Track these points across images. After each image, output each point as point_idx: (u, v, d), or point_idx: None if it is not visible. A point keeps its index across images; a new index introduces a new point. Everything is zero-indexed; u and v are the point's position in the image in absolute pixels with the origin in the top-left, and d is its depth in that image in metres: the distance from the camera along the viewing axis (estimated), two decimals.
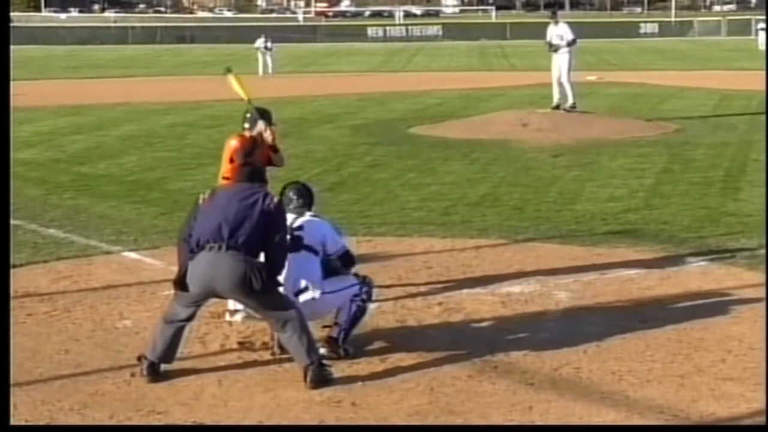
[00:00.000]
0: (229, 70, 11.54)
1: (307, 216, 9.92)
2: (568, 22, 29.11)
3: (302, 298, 9.43)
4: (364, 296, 9.78)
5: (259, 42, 54.78)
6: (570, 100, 27.82)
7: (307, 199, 10.10)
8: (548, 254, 13.47)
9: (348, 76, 53.46)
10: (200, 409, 8.42)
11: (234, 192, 9.17)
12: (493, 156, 22.49)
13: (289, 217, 9.71)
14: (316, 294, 9.54)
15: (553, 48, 27.74)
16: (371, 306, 10.43)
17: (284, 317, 8.92)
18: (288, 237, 9.36)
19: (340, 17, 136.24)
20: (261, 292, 8.84)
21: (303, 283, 9.53)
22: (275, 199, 9.12)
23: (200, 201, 9.20)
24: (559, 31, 27.83)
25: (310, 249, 9.69)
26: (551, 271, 12.52)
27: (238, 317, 10.47)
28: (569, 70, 27.63)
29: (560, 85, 27.86)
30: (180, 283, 9.03)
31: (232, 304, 10.47)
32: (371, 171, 20.43)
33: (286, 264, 9.41)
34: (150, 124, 30.06)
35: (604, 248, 13.79)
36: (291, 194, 10.04)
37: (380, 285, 11.85)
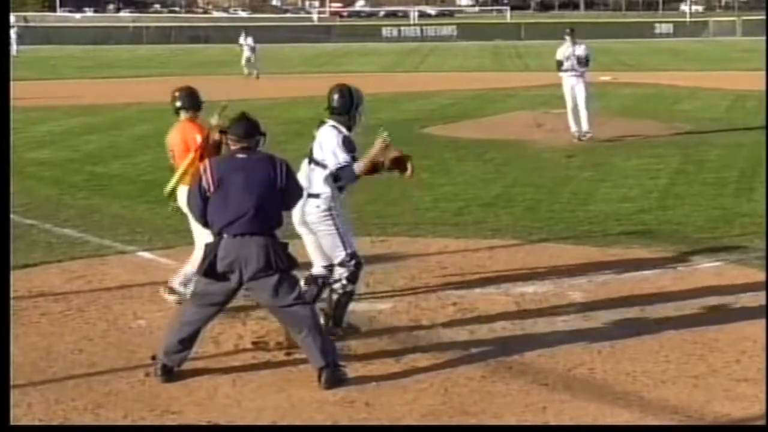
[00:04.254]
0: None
1: (327, 124, 10.15)
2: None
3: (313, 200, 9.87)
4: (344, 281, 10.01)
5: (242, 39, 51.85)
6: (584, 127, 24.92)
7: (344, 99, 10.25)
8: (562, 255, 13.46)
9: (361, 76, 53.41)
10: (214, 409, 8.43)
11: (243, 172, 8.97)
12: (506, 156, 22.48)
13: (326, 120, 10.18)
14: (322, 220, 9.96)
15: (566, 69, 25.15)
16: (385, 306, 10.56)
17: (299, 314, 8.90)
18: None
19: (354, 17, 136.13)
20: (284, 271, 8.84)
21: (314, 189, 9.93)
22: (285, 166, 9.03)
23: (202, 175, 9.07)
24: (578, 52, 25.04)
25: (318, 163, 10.02)
26: (565, 272, 12.51)
27: (172, 298, 10.88)
28: (586, 95, 24.99)
29: (576, 111, 25.10)
30: (207, 268, 8.99)
31: (175, 281, 10.94)
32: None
33: (305, 170, 9.98)
34: (163, 124, 30.00)
35: (617, 249, 13.77)
36: (332, 95, 10.27)
37: (394, 285, 11.89)
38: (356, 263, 10.11)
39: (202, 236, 10.67)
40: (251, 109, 9.65)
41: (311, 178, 10.05)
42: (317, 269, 10.26)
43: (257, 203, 8.84)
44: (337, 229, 10.06)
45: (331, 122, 10.17)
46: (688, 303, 11.21)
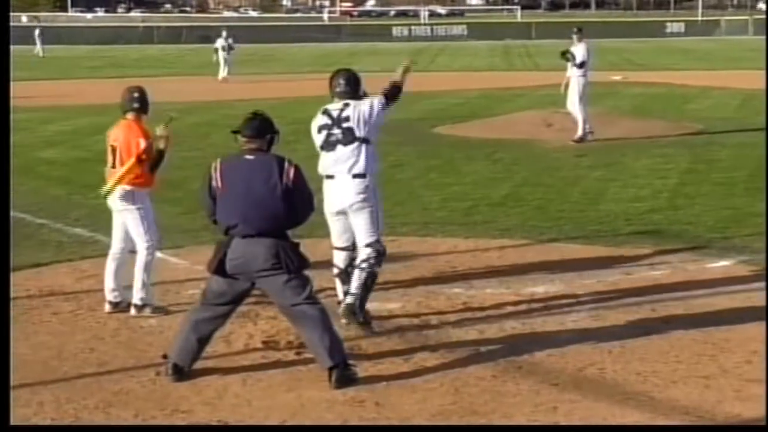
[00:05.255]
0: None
1: (353, 103, 10.33)
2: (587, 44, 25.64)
3: (359, 181, 10.18)
4: (372, 261, 10.29)
5: (220, 41, 49.34)
6: (579, 132, 24.67)
7: (353, 84, 10.48)
8: (572, 254, 13.45)
9: (371, 75, 53.33)
10: (223, 408, 8.44)
11: (248, 174, 8.97)
12: (515, 156, 22.47)
13: (335, 105, 10.36)
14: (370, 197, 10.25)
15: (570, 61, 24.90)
16: (395, 306, 10.62)
17: (308, 314, 8.89)
18: (340, 132, 10.20)
19: (365, 17, 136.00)
20: (293, 271, 8.84)
21: (360, 169, 10.20)
22: (293, 171, 8.96)
23: (212, 174, 9.08)
24: (577, 51, 25.00)
25: (363, 140, 10.22)
26: (574, 272, 12.50)
27: (146, 311, 10.86)
28: (581, 96, 24.86)
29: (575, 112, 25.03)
30: (216, 266, 9.00)
31: (138, 299, 10.89)
32: (393, 171, 20.38)
33: (344, 153, 10.20)
34: (172, 124, 30.05)
35: (627, 249, 13.75)
36: (339, 79, 10.48)
37: (403, 285, 11.89)
38: (383, 246, 10.43)
39: (140, 238, 11.13)
40: (259, 109, 9.64)
41: (356, 159, 10.24)
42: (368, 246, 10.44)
43: (261, 205, 8.83)
44: (376, 208, 10.38)
45: (351, 101, 10.37)
46: (698, 303, 11.19)
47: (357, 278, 10.32)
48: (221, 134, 27.03)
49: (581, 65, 24.79)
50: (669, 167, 20.66)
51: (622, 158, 21.93)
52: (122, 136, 11.02)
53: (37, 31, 74.95)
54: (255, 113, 9.32)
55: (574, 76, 24.92)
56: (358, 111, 10.29)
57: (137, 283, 10.99)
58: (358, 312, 10.19)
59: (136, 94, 11.18)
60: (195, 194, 17.95)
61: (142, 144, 10.89)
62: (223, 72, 48.14)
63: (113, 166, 11.06)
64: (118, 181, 10.90)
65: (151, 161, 10.95)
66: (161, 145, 11.01)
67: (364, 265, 10.32)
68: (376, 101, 10.38)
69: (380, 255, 10.40)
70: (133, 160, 10.84)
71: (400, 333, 10.24)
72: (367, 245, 10.33)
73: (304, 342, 9.26)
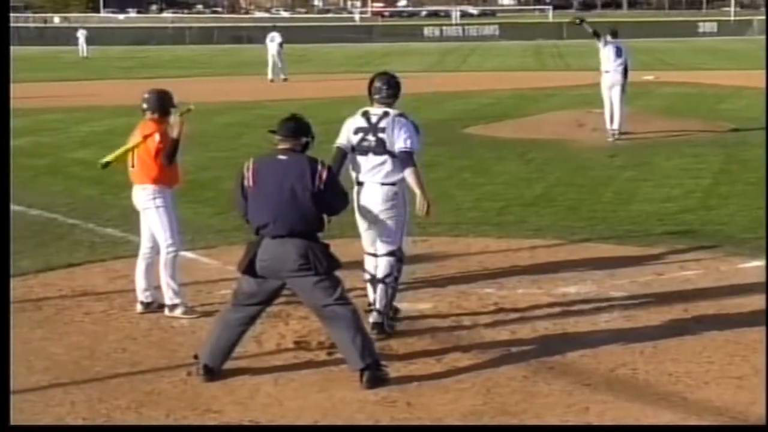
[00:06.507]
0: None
1: (392, 114, 10.23)
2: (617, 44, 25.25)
3: (387, 188, 10.14)
4: (396, 274, 10.28)
5: (274, 36, 48.63)
6: (615, 125, 24.79)
7: (394, 89, 10.38)
8: (604, 254, 13.40)
9: (406, 76, 53.27)
10: (255, 408, 8.45)
11: (280, 174, 8.98)
12: (547, 156, 22.40)
13: (376, 110, 10.25)
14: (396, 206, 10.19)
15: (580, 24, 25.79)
16: (427, 306, 10.63)
17: (339, 314, 8.89)
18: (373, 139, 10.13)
19: (396, 17, 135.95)
20: (323, 273, 8.85)
21: (389, 178, 10.16)
22: (326, 173, 8.98)
23: (245, 173, 9.11)
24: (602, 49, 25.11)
25: (391, 153, 10.14)
26: (607, 272, 12.46)
27: (178, 312, 10.88)
28: (607, 93, 24.90)
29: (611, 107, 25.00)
30: (246, 265, 9.02)
31: (168, 299, 10.91)
32: (425, 171, 20.24)
33: (374, 161, 10.13)
34: (205, 124, 30.12)
35: (660, 249, 13.69)
36: (379, 84, 10.36)
37: (435, 285, 11.88)
38: (402, 253, 10.37)
39: (161, 237, 11.10)
40: (292, 110, 9.67)
41: (386, 168, 10.19)
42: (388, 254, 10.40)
43: (292, 205, 8.84)
44: (401, 215, 10.34)
45: (395, 111, 10.29)
46: (731, 303, 11.13)
47: (383, 295, 10.22)
48: (254, 134, 27.13)
49: (596, 35, 25.06)
50: (701, 167, 20.56)
51: (654, 158, 21.84)
52: (137, 133, 11.16)
53: (83, 33, 75.34)
54: (293, 115, 9.37)
55: (610, 70, 24.89)
56: (395, 130, 10.19)
57: (162, 283, 11.03)
58: (387, 326, 10.17)
59: (147, 96, 11.34)
60: (227, 194, 18.00)
61: (157, 136, 10.97)
62: (272, 72, 47.58)
63: (132, 166, 11.14)
64: (121, 155, 11.03)
65: (166, 149, 10.99)
66: (174, 133, 11.06)
67: (388, 279, 10.22)
68: (415, 138, 10.29)
69: (400, 263, 10.33)
70: (139, 139, 10.92)
71: (432, 333, 10.23)
72: (388, 254, 10.24)
73: (335, 342, 9.28)
